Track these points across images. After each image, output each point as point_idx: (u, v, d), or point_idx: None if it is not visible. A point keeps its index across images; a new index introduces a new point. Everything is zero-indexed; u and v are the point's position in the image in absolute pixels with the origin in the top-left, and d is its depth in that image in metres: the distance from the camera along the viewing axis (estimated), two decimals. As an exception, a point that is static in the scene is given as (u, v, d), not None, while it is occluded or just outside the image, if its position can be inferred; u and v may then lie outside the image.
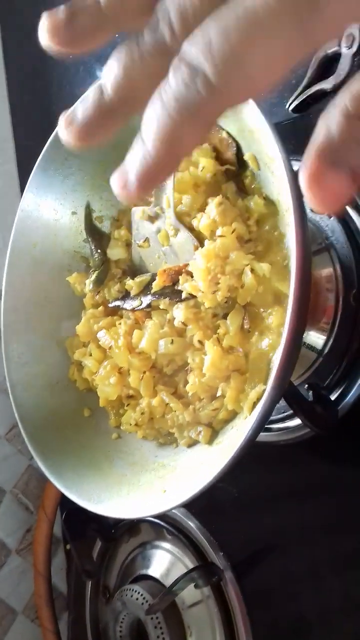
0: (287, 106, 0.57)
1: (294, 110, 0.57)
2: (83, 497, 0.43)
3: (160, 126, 0.22)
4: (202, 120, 0.22)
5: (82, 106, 0.24)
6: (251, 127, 0.37)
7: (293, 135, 0.54)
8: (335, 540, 0.50)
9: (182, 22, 0.22)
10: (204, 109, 0.21)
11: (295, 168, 0.45)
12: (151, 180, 0.23)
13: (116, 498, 0.42)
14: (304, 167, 0.21)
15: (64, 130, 0.25)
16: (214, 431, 0.44)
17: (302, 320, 0.34)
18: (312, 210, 0.47)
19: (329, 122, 0.21)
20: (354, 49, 0.52)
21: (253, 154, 0.41)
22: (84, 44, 0.25)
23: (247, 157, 0.41)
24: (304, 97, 0.55)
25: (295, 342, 0.34)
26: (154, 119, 0.22)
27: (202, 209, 0.44)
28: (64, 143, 0.25)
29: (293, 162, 0.51)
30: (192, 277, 0.43)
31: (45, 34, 0.25)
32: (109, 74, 0.24)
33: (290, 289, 0.33)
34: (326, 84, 0.54)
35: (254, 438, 0.35)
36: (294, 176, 0.33)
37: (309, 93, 0.55)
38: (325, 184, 0.20)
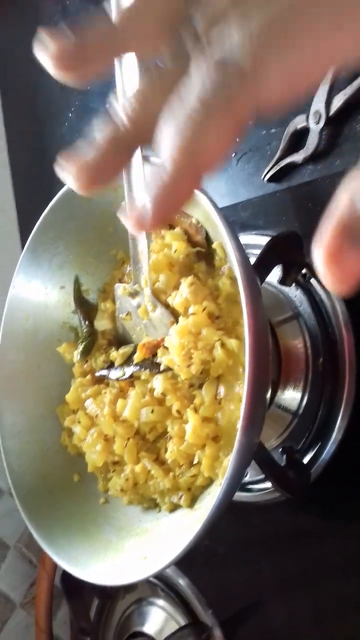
0: (262, 176, 0.61)
1: (269, 180, 0.61)
2: (71, 563, 0.45)
3: (179, 131, 0.18)
4: (231, 118, 0.18)
5: (93, 146, 0.21)
6: (213, 219, 0.41)
7: (263, 211, 0.58)
8: (318, 593, 0.52)
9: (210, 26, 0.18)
10: (234, 103, 0.18)
11: (262, 242, 0.48)
12: (171, 204, 0.19)
13: (101, 564, 0.45)
14: (322, 240, 0.18)
15: (74, 178, 0.21)
16: (194, 496, 0.47)
17: (260, 388, 0.37)
18: (280, 283, 0.50)
19: (353, 192, 0.18)
20: (321, 124, 0.56)
21: (220, 243, 0.45)
22: (94, 67, 0.21)
23: (215, 245, 0.45)
24: (278, 168, 0.60)
25: (255, 410, 0.36)
26: (170, 125, 0.18)
27: (176, 286, 0.48)
28: (75, 189, 0.21)
29: (261, 237, 0.55)
30: (169, 351, 0.46)
31: (49, 58, 0.20)
32: (124, 104, 0.20)
33: (245, 367, 0.36)
34: (297, 157, 0.58)
35: (226, 503, 0.37)
36: (247, 270, 0.37)
37: (281, 165, 0.59)
38: (344, 262, 0.17)
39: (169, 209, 0.20)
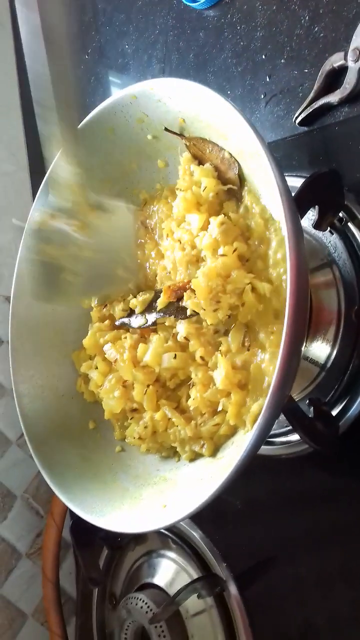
0: (293, 119, 0.58)
1: (300, 123, 0.57)
2: (86, 510, 0.44)
3: None
4: None
5: None
6: (250, 150, 0.38)
7: (297, 151, 0.55)
8: (337, 550, 0.51)
9: None
10: None
11: (296, 184, 0.45)
12: None
13: (118, 512, 0.43)
14: None
15: None
16: (217, 446, 0.45)
17: (299, 335, 0.35)
18: (314, 227, 0.47)
19: None
20: (360, 63, 0.52)
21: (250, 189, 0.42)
22: None
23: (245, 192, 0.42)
24: (310, 110, 0.56)
25: (292, 357, 0.34)
26: None
27: (204, 227, 0.45)
28: None
29: (295, 179, 0.52)
30: (195, 294, 0.44)
31: None
32: None
33: (286, 305, 0.33)
34: (332, 98, 0.54)
35: (254, 452, 0.35)
36: (289, 201, 0.34)
37: (315, 106, 0.55)
38: None
39: None
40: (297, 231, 0.34)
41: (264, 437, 0.36)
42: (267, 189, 0.40)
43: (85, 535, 0.64)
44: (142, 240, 0.52)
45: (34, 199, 0.52)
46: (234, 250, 0.42)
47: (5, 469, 0.89)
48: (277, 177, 0.33)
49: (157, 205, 0.50)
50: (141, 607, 0.58)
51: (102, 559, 0.69)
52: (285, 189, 0.34)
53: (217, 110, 0.39)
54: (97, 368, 0.51)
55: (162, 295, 0.46)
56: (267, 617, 0.55)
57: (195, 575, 0.58)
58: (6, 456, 0.90)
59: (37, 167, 1.02)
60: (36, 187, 0.52)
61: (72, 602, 0.91)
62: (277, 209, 0.39)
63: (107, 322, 0.52)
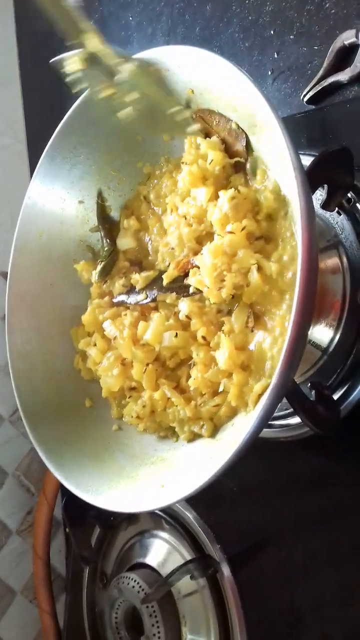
0: (302, 97, 0.56)
1: (308, 101, 0.56)
2: (81, 488, 0.43)
3: None
4: None
5: None
6: (261, 122, 0.37)
7: (306, 129, 0.53)
8: (331, 535, 0.50)
9: None
10: None
11: (305, 163, 0.44)
12: None
13: (114, 491, 0.42)
14: None
15: None
16: (216, 427, 0.44)
17: (307, 316, 0.34)
18: (322, 207, 0.46)
19: None
20: (372, 41, 0.51)
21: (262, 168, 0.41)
22: None
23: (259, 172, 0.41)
24: (319, 88, 0.54)
25: (300, 338, 0.33)
26: None
27: (211, 199, 0.43)
28: None
29: (304, 157, 0.51)
30: (200, 271, 0.43)
31: None
32: None
33: (296, 284, 0.32)
34: (342, 76, 0.53)
35: (257, 434, 0.35)
36: (302, 175, 0.33)
37: (324, 85, 0.54)
38: None
39: None
40: (309, 208, 0.33)
41: (267, 418, 0.35)
42: (277, 163, 0.39)
43: (78, 514, 0.64)
44: (144, 216, 0.51)
45: (31, 172, 0.51)
46: (243, 228, 0.41)
47: (-3, 445, 0.89)
48: (290, 151, 0.32)
49: (161, 179, 0.49)
50: (133, 587, 0.58)
51: (94, 537, 0.69)
52: (298, 163, 0.33)
53: (228, 79, 0.37)
54: (95, 345, 0.50)
55: (171, 268, 0.45)
56: (259, 599, 0.55)
57: (188, 556, 0.57)
58: (-1, 433, 0.90)
59: (35, 141, 0.99)
60: (34, 160, 0.51)
61: (61, 580, 0.91)
62: (287, 184, 0.38)
63: (107, 298, 0.51)
